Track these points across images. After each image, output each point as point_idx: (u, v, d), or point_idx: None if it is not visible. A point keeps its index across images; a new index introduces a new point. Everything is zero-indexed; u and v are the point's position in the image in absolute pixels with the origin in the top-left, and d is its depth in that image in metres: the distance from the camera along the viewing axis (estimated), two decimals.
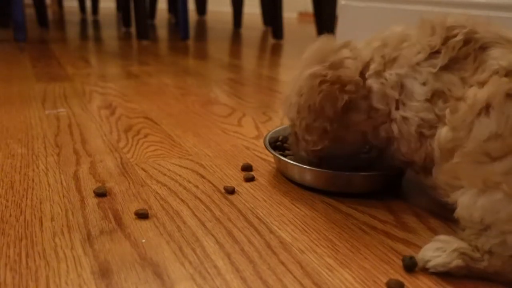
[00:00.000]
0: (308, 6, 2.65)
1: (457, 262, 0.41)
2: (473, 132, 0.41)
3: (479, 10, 1.02)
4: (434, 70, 0.45)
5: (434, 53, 0.46)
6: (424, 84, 0.46)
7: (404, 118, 0.48)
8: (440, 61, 0.45)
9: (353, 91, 0.50)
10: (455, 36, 0.45)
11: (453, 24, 0.46)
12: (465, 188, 0.42)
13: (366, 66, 0.51)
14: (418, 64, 0.47)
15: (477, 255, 0.41)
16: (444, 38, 0.45)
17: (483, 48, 0.44)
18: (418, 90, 0.46)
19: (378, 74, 0.49)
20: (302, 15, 3.63)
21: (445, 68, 0.45)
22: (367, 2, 1.32)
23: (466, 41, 0.44)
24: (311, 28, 2.46)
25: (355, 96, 0.50)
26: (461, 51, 0.44)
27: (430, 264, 0.41)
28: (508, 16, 0.97)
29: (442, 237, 0.43)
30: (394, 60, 0.49)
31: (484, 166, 0.40)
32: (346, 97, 0.50)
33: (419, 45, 0.47)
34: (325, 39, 0.55)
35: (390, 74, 0.48)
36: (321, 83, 0.50)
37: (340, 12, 1.44)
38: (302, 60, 0.55)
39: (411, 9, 1.19)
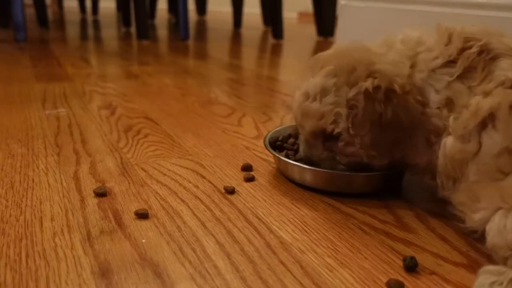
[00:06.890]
0: (308, 6, 2.64)
1: None
2: (483, 148, 0.41)
3: (479, 10, 1.02)
4: (451, 79, 0.45)
5: (450, 62, 0.46)
6: (438, 92, 0.46)
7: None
8: (457, 70, 0.45)
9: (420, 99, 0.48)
10: (470, 48, 0.45)
11: (470, 36, 0.46)
12: (486, 210, 0.40)
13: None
14: (434, 70, 0.47)
15: None
16: (460, 49, 0.46)
17: (493, 58, 0.44)
18: (433, 97, 0.47)
19: (410, 78, 0.48)
20: (302, 15, 3.63)
21: (459, 77, 0.45)
22: (367, 2, 1.32)
23: (480, 53, 0.45)
24: (311, 28, 2.46)
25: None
26: (474, 61, 0.45)
27: None
28: (508, 16, 0.97)
29: (490, 267, 0.38)
30: (415, 64, 0.48)
31: (499, 182, 0.39)
32: (419, 106, 0.47)
33: (438, 50, 0.47)
34: (338, 47, 0.54)
35: (416, 78, 0.48)
36: (388, 95, 0.47)
37: (340, 12, 1.44)
38: (320, 69, 0.52)
39: (411, 9, 1.19)
